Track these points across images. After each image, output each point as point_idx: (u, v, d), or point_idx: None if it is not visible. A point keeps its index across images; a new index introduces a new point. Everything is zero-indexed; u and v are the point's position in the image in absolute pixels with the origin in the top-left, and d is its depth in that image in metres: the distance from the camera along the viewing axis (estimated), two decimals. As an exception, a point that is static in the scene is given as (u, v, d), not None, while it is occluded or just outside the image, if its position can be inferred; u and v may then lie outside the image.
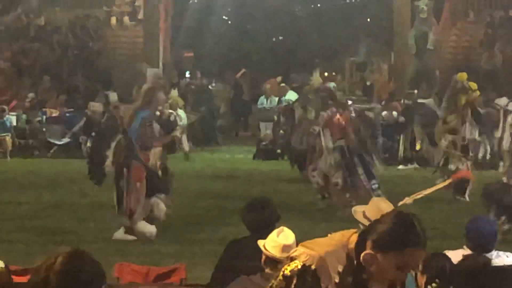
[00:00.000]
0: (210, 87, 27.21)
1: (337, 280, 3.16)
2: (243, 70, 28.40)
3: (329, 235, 3.33)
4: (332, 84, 15.58)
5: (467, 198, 13.95)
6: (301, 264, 3.20)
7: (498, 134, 13.45)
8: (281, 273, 3.26)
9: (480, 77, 20.71)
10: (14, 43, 25.35)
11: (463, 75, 14.22)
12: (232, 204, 12.11)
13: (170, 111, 18.50)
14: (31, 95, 22.76)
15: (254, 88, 27.11)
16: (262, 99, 23.91)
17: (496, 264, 5.67)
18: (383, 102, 23.06)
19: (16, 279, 5.70)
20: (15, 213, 12.61)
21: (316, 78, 14.50)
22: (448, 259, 5.27)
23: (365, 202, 11.59)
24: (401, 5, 25.34)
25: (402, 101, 22.06)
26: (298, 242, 5.04)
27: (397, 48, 26.10)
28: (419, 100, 20.36)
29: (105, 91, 22.97)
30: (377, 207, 5.41)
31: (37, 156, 20.86)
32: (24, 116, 21.94)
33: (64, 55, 25.27)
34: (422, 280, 5.11)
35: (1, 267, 5.03)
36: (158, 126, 11.37)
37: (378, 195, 12.29)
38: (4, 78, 24.08)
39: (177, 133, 17.82)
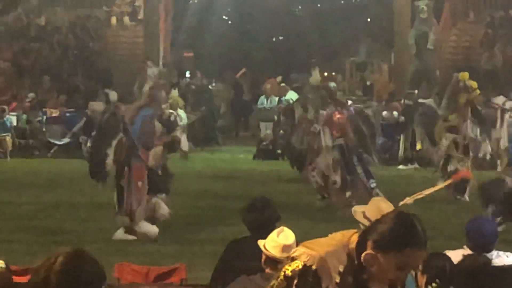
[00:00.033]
0: (210, 87, 27.20)
1: (337, 280, 3.16)
2: (243, 70, 28.41)
3: (329, 235, 3.33)
4: (332, 84, 15.55)
5: (467, 198, 13.95)
6: (302, 264, 3.20)
7: (496, 133, 13.47)
8: (282, 273, 3.26)
9: (480, 77, 20.71)
10: (14, 43, 25.35)
11: (465, 75, 14.23)
12: (232, 204, 12.10)
13: (170, 111, 18.47)
14: (31, 95, 22.76)
15: (254, 88, 27.11)
16: (262, 99, 23.92)
17: (496, 264, 5.67)
18: (383, 102, 23.05)
19: (17, 279, 5.70)
20: (15, 213, 12.61)
21: (315, 76, 14.49)
22: (448, 259, 5.27)
23: (365, 201, 11.63)
24: (401, 5, 25.33)
25: (402, 101, 22.05)
26: (298, 242, 5.04)
27: (397, 48, 26.09)
28: (420, 100, 20.36)
29: (105, 88, 22.95)
30: (377, 207, 5.41)
31: (37, 156, 20.87)
32: (24, 116, 21.94)
33: (64, 55, 25.27)
34: (422, 280, 5.12)
35: (1, 267, 5.04)
36: (160, 125, 11.36)
37: (377, 194, 12.33)
38: (4, 78, 24.08)
39: (177, 133, 17.81)
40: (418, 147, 18.46)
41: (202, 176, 17.19)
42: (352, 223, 5.33)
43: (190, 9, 30.56)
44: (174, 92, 20.29)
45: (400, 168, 19.13)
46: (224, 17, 33.18)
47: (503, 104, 14.37)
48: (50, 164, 19.38)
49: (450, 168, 13.99)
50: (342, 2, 34.14)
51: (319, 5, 33.68)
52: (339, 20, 32.09)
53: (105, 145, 10.89)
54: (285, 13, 33.20)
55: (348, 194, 12.89)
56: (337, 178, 12.91)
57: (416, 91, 22.40)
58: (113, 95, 12.32)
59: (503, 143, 13.30)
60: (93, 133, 12.39)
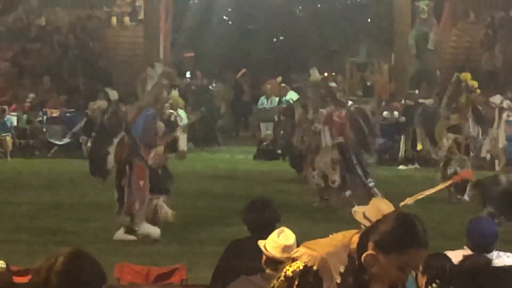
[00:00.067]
0: (210, 87, 27.21)
1: (338, 281, 3.16)
2: (244, 70, 28.40)
3: (330, 235, 3.32)
4: (332, 84, 15.58)
5: (467, 198, 13.95)
6: (303, 264, 3.20)
7: (493, 132, 13.48)
8: (283, 273, 3.26)
9: (480, 77, 20.72)
10: (14, 43, 25.36)
11: (467, 75, 14.24)
12: (232, 205, 12.10)
13: (171, 111, 18.51)
14: (31, 95, 22.75)
15: (255, 88, 27.11)
16: (263, 99, 23.92)
17: (497, 265, 5.67)
18: (383, 103, 23.05)
19: (17, 279, 5.70)
20: (15, 213, 12.61)
21: (314, 75, 14.47)
22: (448, 259, 5.27)
23: (365, 200, 11.64)
24: (402, 5, 25.32)
25: (403, 101, 22.06)
26: (298, 242, 5.04)
27: (398, 48, 26.08)
28: (420, 101, 20.38)
29: (105, 88, 22.92)
30: (378, 208, 5.40)
31: (37, 156, 20.87)
32: (24, 116, 21.94)
33: (64, 55, 25.28)
34: (422, 280, 5.12)
35: (2, 267, 5.04)
36: (162, 125, 11.37)
37: (376, 193, 12.38)
38: (4, 79, 24.09)
39: (178, 133, 17.83)
40: (419, 147, 18.48)
41: (202, 176, 17.19)
42: (352, 223, 5.34)
43: (191, 9, 30.56)
44: (174, 92, 20.29)
45: (400, 168, 19.14)
46: (224, 17, 33.18)
47: (501, 103, 14.39)
48: (50, 164, 19.38)
49: (451, 170, 13.98)
50: (343, 2, 34.13)
51: (319, 5, 33.69)
52: (339, 21, 32.08)
53: (107, 143, 10.89)
54: (286, 13, 33.20)
55: (348, 193, 12.89)
56: (336, 177, 12.91)
57: (416, 91, 22.41)
58: (113, 94, 12.28)
59: (501, 142, 13.31)
60: (94, 132, 12.39)
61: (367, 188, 12.83)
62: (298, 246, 4.35)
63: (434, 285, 5.08)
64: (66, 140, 21.52)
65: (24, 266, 6.75)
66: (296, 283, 3.21)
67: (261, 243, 5.31)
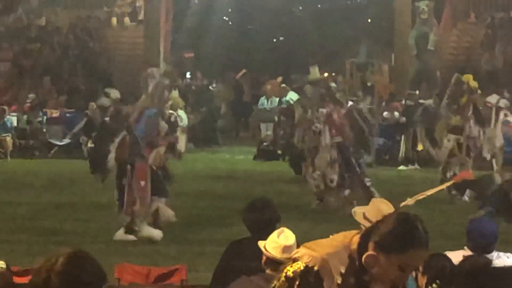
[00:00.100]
0: (210, 87, 27.21)
1: (339, 281, 3.16)
2: (244, 70, 28.40)
3: (331, 236, 3.32)
4: (332, 84, 15.56)
5: (467, 199, 13.95)
6: (304, 265, 3.20)
7: (490, 132, 13.49)
8: (284, 274, 3.26)
9: (480, 78, 20.71)
10: (14, 43, 25.36)
11: (469, 77, 14.26)
12: (232, 205, 12.11)
13: (171, 111, 18.48)
14: (31, 95, 22.76)
15: (255, 89, 27.11)
16: (263, 99, 23.92)
17: (497, 265, 5.67)
18: (383, 103, 23.05)
19: (17, 280, 5.71)
20: (15, 213, 12.61)
21: (314, 73, 14.46)
22: (448, 260, 5.28)
23: (364, 199, 11.65)
24: (402, 5, 25.32)
25: (403, 101, 22.05)
26: (298, 243, 5.04)
27: (398, 48, 26.07)
28: (420, 101, 20.38)
29: (105, 88, 22.92)
30: (378, 208, 5.40)
31: (37, 156, 20.87)
32: (24, 117, 21.95)
33: (64, 55, 25.27)
34: (422, 280, 5.12)
35: (2, 267, 5.04)
36: (165, 125, 11.33)
37: (373, 193, 12.42)
38: (5, 79, 24.09)
39: (178, 133, 17.81)
40: (420, 147, 18.48)
41: (202, 176, 17.19)
42: (353, 224, 5.34)
43: (191, 9, 30.55)
44: (175, 93, 20.27)
45: (400, 169, 19.14)
46: (224, 17, 33.16)
47: (497, 102, 14.40)
48: (50, 164, 19.38)
49: (451, 172, 13.98)
50: (343, 2, 34.12)
51: (319, 5, 33.68)
52: (339, 21, 32.06)
53: (108, 141, 10.87)
54: (286, 13, 33.19)
55: (347, 192, 12.89)
56: (334, 176, 12.91)
57: (417, 92, 22.41)
58: (115, 93, 12.28)
59: (498, 141, 13.32)
60: (95, 131, 12.39)
61: (366, 188, 12.84)
62: (298, 246, 4.35)
63: (434, 285, 5.08)
64: (66, 140, 21.53)
65: (24, 266, 6.76)
66: (297, 283, 3.21)
67: (261, 243, 5.31)
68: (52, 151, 21.14)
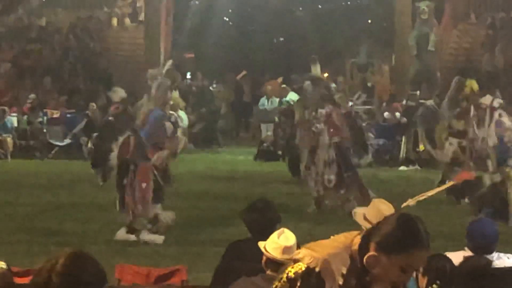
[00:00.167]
0: (211, 88, 27.22)
1: (340, 282, 3.16)
2: (244, 71, 28.40)
3: (332, 237, 3.32)
4: (332, 85, 15.55)
5: (466, 199, 13.94)
6: (305, 266, 3.20)
7: (483, 132, 13.50)
8: (285, 275, 3.26)
9: (481, 79, 20.72)
10: (15, 44, 25.37)
11: (472, 82, 14.30)
12: (232, 205, 12.10)
13: (171, 112, 18.48)
14: (32, 96, 22.78)
15: (255, 89, 27.10)
16: (263, 100, 23.92)
17: (497, 266, 5.67)
18: (384, 104, 23.07)
19: (18, 280, 5.71)
20: (16, 214, 12.60)
21: (315, 70, 14.44)
22: (449, 260, 5.28)
23: (362, 199, 11.63)
24: (402, 6, 25.32)
25: (404, 102, 22.06)
26: (298, 243, 5.05)
27: (398, 49, 26.08)
28: (421, 101, 20.39)
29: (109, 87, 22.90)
30: (378, 209, 5.41)
31: (38, 157, 20.86)
32: (25, 117, 21.95)
33: (65, 56, 25.28)
34: (423, 281, 5.12)
35: (2, 267, 5.04)
36: (171, 126, 11.30)
37: (369, 191, 12.46)
38: (5, 79, 24.10)
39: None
40: (421, 148, 18.48)
41: (202, 177, 17.19)
42: (353, 224, 5.34)
43: (191, 10, 30.56)
44: (175, 93, 20.30)
45: (401, 169, 19.14)
46: (225, 18, 33.17)
47: (491, 103, 14.43)
48: (50, 165, 19.39)
49: (453, 174, 13.98)
50: (343, 3, 34.13)
51: (320, 6, 33.69)
52: (340, 21, 32.07)
53: (112, 139, 10.83)
54: (286, 14, 33.20)
55: (343, 191, 12.87)
56: (332, 176, 12.90)
57: (418, 92, 22.42)
58: (122, 93, 12.21)
59: (492, 141, 13.34)
60: (96, 131, 12.33)
61: (363, 187, 12.84)
62: (298, 247, 4.35)
63: (434, 286, 5.08)
64: (67, 141, 21.54)
65: (25, 267, 6.75)
66: (298, 284, 3.21)
67: (261, 244, 5.31)
68: (53, 152, 21.15)
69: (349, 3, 34.29)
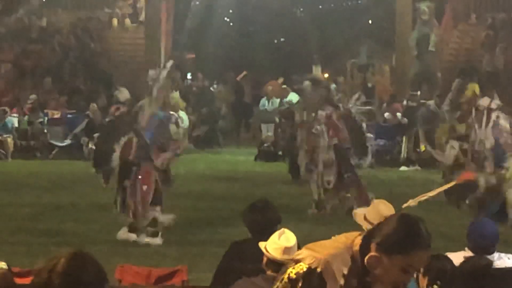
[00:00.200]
0: (211, 88, 27.21)
1: (342, 283, 3.16)
2: (244, 72, 28.40)
3: (333, 237, 3.32)
4: (333, 86, 15.55)
5: (467, 200, 13.94)
6: (307, 266, 3.20)
7: (481, 133, 13.50)
8: (286, 275, 3.26)
9: (481, 79, 20.69)
10: (15, 44, 25.37)
11: (475, 86, 14.28)
12: (233, 206, 12.10)
13: (172, 112, 18.48)
14: (32, 96, 22.78)
15: (256, 90, 27.10)
16: (264, 100, 23.92)
17: (498, 266, 5.67)
18: (384, 104, 23.06)
19: (19, 281, 5.71)
20: (16, 214, 12.60)
21: (316, 71, 14.44)
22: (449, 261, 5.28)
23: (361, 200, 11.61)
24: (403, 6, 25.31)
25: (404, 102, 22.05)
26: (299, 244, 5.05)
27: (399, 49, 26.06)
28: (421, 102, 20.39)
29: (113, 87, 22.88)
30: (378, 210, 5.41)
31: (38, 157, 20.87)
32: (25, 118, 21.96)
33: (65, 56, 25.28)
34: (423, 282, 5.12)
35: (2, 268, 5.04)
36: (175, 127, 11.28)
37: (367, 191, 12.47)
38: (5, 80, 24.10)
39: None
40: (422, 148, 18.47)
41: (203, 177, 17.19)
42: (354, 225, 5.34)
43: (191, 10, 30.56)
44: (175, 94, 20.29)
45: (402, 170, 19.14)
46: (225, 18, 33.19)
47: (489, 104, 14.44)
48: (51, 165, 19.39)
49: (454, 176, 13.97)
50: (344, 4, 34.14)
51: (320, 6, 33.69)
52: (340, 22, 32.07)
53: (114, 139, 10.81)
54: (286, 14, 33.21)
55: (343, 192, 12.88)
56: (331, 178, 12.90)
57: (418, 93, 22.42)
58: (126, 93, 12.20)
59: (489, 142, 13.34)
60: (96, 132, 12.30)
61: (362, 187, 12.84)
62: (299, 247, 4.35)
63: (435, 286, 5.09)
64: (67, 141, 21.53)
65: (25, 267, 6.76)
66: (299, 285, 3.21)
67: (262, 244, 5.31)
68: (53, 152, 21.15)
69: (349, 3, 34.30)
